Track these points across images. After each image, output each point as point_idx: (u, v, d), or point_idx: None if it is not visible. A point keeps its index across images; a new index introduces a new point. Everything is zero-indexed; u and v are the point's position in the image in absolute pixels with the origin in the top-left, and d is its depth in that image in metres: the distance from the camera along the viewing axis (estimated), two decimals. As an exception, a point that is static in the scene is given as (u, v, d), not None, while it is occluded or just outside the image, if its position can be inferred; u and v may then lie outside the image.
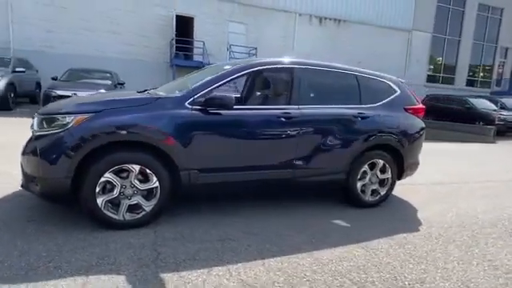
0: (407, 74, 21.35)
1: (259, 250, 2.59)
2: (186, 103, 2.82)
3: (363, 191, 3.65)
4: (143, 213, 2.75)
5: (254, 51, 16.43)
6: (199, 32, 15.91)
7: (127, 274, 2.15)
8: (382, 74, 3.89)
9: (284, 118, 3.13)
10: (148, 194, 2.76)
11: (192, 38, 15.84)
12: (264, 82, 3.54)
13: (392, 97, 3.79)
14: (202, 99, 2.82)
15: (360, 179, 3.60)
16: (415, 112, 3.92)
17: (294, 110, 3.20)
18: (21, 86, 10.04)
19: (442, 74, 23.35)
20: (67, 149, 2.47)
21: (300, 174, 3.29)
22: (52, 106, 2.91)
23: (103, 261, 2.27)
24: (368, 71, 3.80)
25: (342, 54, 18.88)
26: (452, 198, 4.37)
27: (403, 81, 4.06)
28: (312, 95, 3.41)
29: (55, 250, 2.35)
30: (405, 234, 3.09)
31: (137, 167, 2.66)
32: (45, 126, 2.61)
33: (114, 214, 2.67)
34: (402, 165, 3.79)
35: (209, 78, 3.01)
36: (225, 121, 2.94)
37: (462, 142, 11.50)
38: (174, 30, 15.26)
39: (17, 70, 10.00)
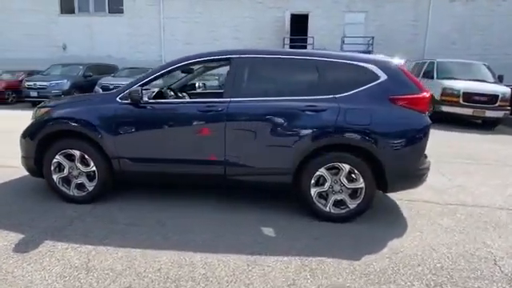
0: None
1: (142, 240, 2.66)
2: (117, 98, 3.15)
3: (322, 200, 3.01)
4: (87, 191, 3.27)
5: (371, 41, 14.86)
6: (313, 27, 15.70)
7: (26, 234, 2.70)
8: (362, 57, 3.06)
9: (209, 111, 3.00)
10: (90, 176, 3.25)
11: (307, 34, 15.80)
12: (199, 76, 3.44)
13: (370, 85, 2.91)
14: (127, 94, 3.08)
15: (316, 185, 2.99)
16: (411, 104, 2.88)
17: (222, 103, 3.00)
18: (155, 89, 12.76)
19: None
20: (31, 134, 3.25)
21: (232, 172, 3.06)
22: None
23: (28, 221, 2.92)
24: (338, 54, 3.07)
25: (499, 36, 14.71)
26: (497, 232, 2.95)
27: (402, 61, 3.03)
28: (252, 87, 3.06)
29: (12, 210, 3.13)
30: (330, 260, 2.42)
31: (78, 152, 3.19)
32: (33, 116, 3.48)
33: (67, 189, 3.29)
34: (382, 173, 2.89)
35: (143, 75, 3.23)
36: (149, 114, 3.10)
37: None
38: (289, 29, 15.65)
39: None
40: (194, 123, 3.06)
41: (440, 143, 6.68)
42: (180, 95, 4.02)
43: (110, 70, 14.40)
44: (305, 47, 15.76)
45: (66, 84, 12.07)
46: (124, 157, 3.15)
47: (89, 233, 2.75)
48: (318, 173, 2.95)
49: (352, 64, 2.99)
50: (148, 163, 3.16)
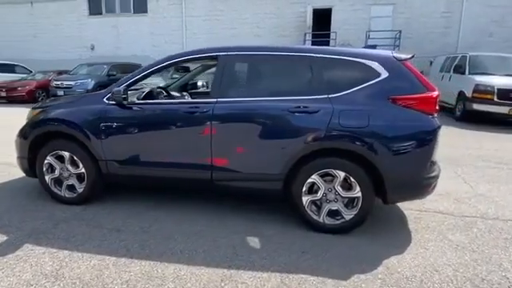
0: None
1: (119, 247, 2.54)
2: (104, 99, 3.07)
3: (315, 209, 2.76)
4: (77, 193, 3.23)
5: (399, 35, 14.06)
6: (337, 22, 15.15)
7: (11, 236, 2.68)
8: (361, 52, 2.75)
9: (194, 112, 2.83)
10: (80, 178, 3.21)
11: (330, 29, 15.28)
12: (198, 75, 3.28)
13: (369, 83, 2.61)
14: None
15: (308, 193, 2.75)
16: (416, 104, 2.55)
17: (208, 103, 2.83)
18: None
19: None
20: (24, 134, 3.26)
21: (219, 177, 2.88)
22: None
23: (17, 222, 2.91)
24: (334, 50, 2.78)
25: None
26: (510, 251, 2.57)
27: (407, 56, 2.70)
28: (240, 86, 2.88)
29: (6, 210, 3.16)
30: (314, 278, 2.19)
31: (67, 154, 3.15)
32: (27, 117, 3.49)
33: (58, 190, 3.28)
34: (381, 181, 2.60)
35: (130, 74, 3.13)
36: (134, 115, 2.99)
37: None
38: (311, 24, 15.21)
39: (173, 76, 12.88)
40: (179, 125, 2.91)
41: (468, 145, 6.14)
42: (177, 95, 3.89)
43: (133, 68, 14.67)
44: (327, 43, 15.26)
45: (90, 83, 12.47)
46: (111, 159, 3.07)
47: (70, 237, 2.69)
48: (310, 180, 2.70)
49: (349, 60, 2.71)
50: (134, 166, 3.06)
